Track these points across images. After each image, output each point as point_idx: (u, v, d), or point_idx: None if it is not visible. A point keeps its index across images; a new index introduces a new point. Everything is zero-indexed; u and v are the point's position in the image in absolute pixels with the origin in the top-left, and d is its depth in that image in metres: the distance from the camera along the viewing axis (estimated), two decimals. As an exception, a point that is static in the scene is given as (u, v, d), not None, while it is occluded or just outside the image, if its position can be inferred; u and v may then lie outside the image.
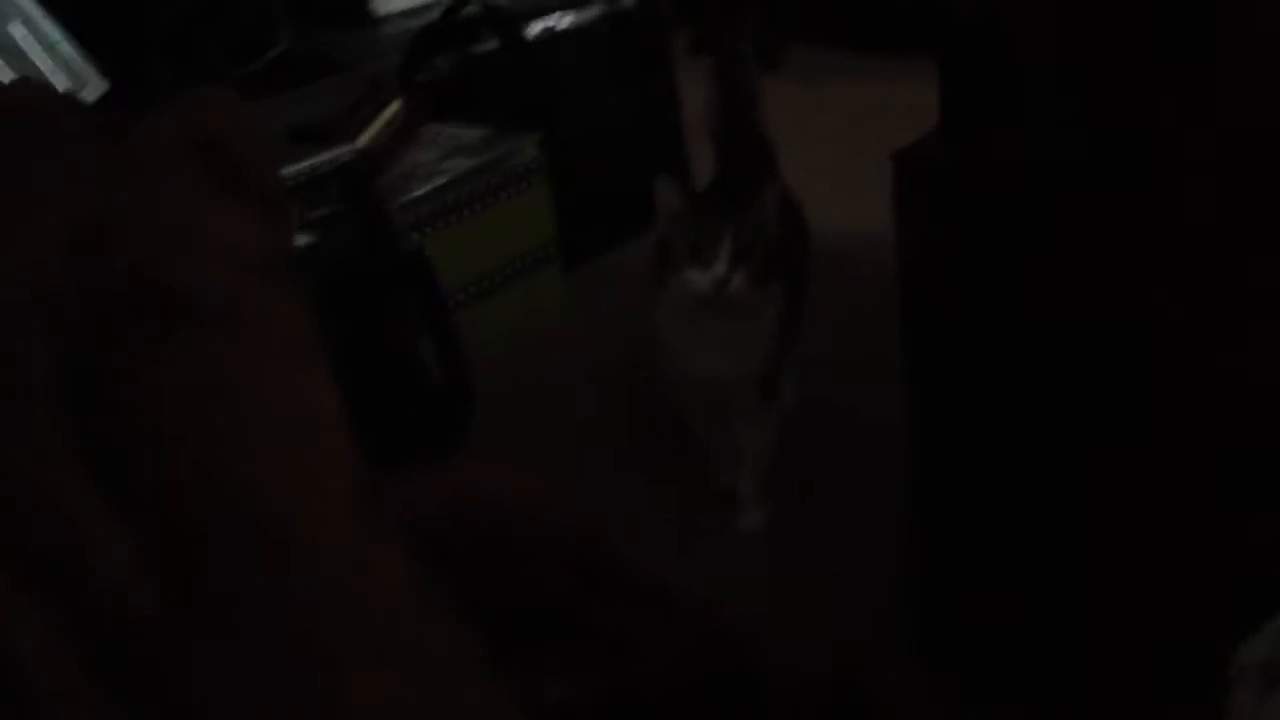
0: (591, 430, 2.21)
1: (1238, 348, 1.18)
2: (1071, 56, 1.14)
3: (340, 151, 2.18)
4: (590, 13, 2.68)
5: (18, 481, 0.48)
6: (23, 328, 0.51)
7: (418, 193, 2.34)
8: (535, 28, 2.59)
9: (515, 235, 2.49)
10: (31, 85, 0.56)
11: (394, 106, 2.43)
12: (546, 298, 2.55)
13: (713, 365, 1.81)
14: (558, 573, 0.71)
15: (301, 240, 1.92)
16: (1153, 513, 1.26)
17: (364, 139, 2.31)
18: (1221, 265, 1.16)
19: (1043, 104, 1.19)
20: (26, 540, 0.48)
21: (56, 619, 0.47)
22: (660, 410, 2.05)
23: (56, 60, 1.98)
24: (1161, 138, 1.15)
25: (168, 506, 0.47)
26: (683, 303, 1.73)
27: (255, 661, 0.46)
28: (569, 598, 0.68)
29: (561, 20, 2.63)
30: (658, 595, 0.67)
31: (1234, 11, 1.09)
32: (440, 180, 2.36)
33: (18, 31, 1.99)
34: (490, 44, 2.54)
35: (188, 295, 0.51)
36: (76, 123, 0.70)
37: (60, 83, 1.94)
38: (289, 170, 2.22)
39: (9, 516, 0.48)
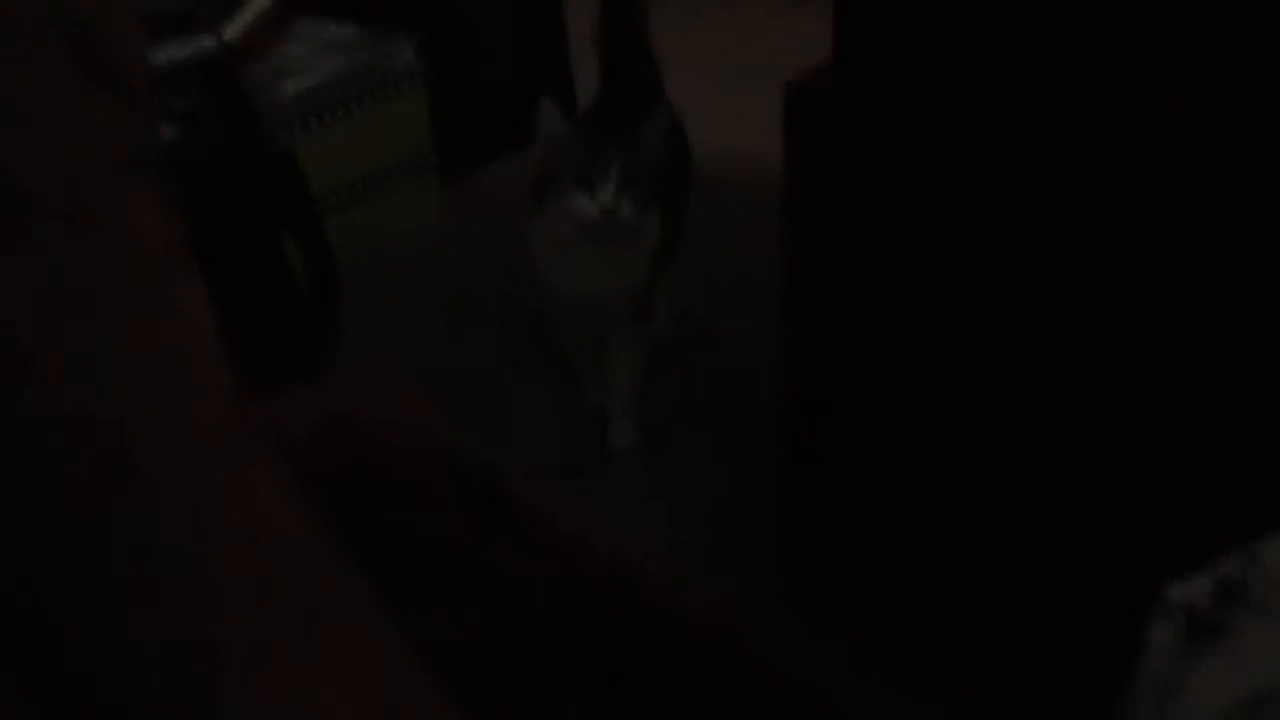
0: (462, 347, 2.18)
1: (1114, 283, 1.20)
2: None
3: (204, 42, 2.07)
4: (475, -89, 2.59)
5: None
6: None
7: (288, 91, 2.25)
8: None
9: (389, 141, 2.42)
10: None
11: (264, -2, 2.32)
12: (420, 209, 2.49)
13: (588, 285, 1.80)
14: (444, 506, 0.68)
15: (169, 135, 1.83)
16: (1043, 442, 1.29)
17: (230, 30, 2.21)
18: (1100, 221, 1.17)
19: (940, 42, 1.19)
20: None
21: None
22: (532, 326, 2.02)
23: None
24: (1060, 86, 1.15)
25: (11, 438, 0.43)
26: (566, 227, 1.72)
27: (126, 593, 0.43)
28: (456, 532, 0.66)
29: (445, -82, 2.54)
30: (547, 534, 0.66)
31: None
32: (311, 80, 2.27)
33: None
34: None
35: (43, 191, 0.46)
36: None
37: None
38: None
39: None
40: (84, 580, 0.40)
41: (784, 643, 0.76)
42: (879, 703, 1.37)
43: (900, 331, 1.32)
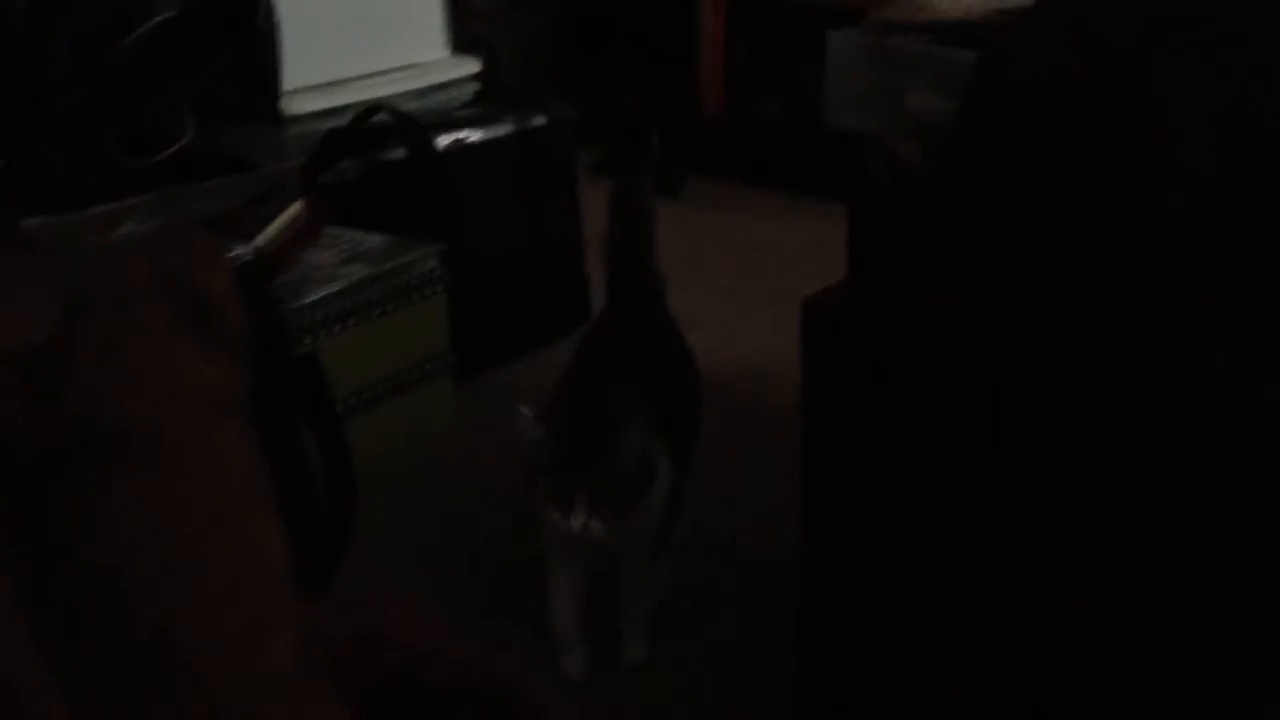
0: (473, 553, 2.19)
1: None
2: (986, 244, 1.20)
3: (237, 249, 2.16)
4: (499, 129, 2.72)
5: None
6: None
7: (314, 296, 2.33)
8: (444, 139, 2.62)
9: (409, 345, 2.49)
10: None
11: (295, 207, 2.42)
12: (436, 410, 2.54)
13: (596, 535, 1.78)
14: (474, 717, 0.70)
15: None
16: (1068, 660, 1.29)
17: (262, 238, 2.30)
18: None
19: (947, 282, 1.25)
20: None
21: None
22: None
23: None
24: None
25: (119, 667, 0.46)
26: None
27: None
28: None
29: (471, 134, 2.67)
30: None
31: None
32: (337, 285, 2.36)
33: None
34: (398, 152, 2.56)
35: (144, 433, 0.51)
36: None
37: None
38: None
39: None
40: None
41: None
42: None
43: (917, 550, 1.35)
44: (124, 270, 0.54)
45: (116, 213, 2.17)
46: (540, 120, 2.78)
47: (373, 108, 2.63)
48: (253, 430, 0.55)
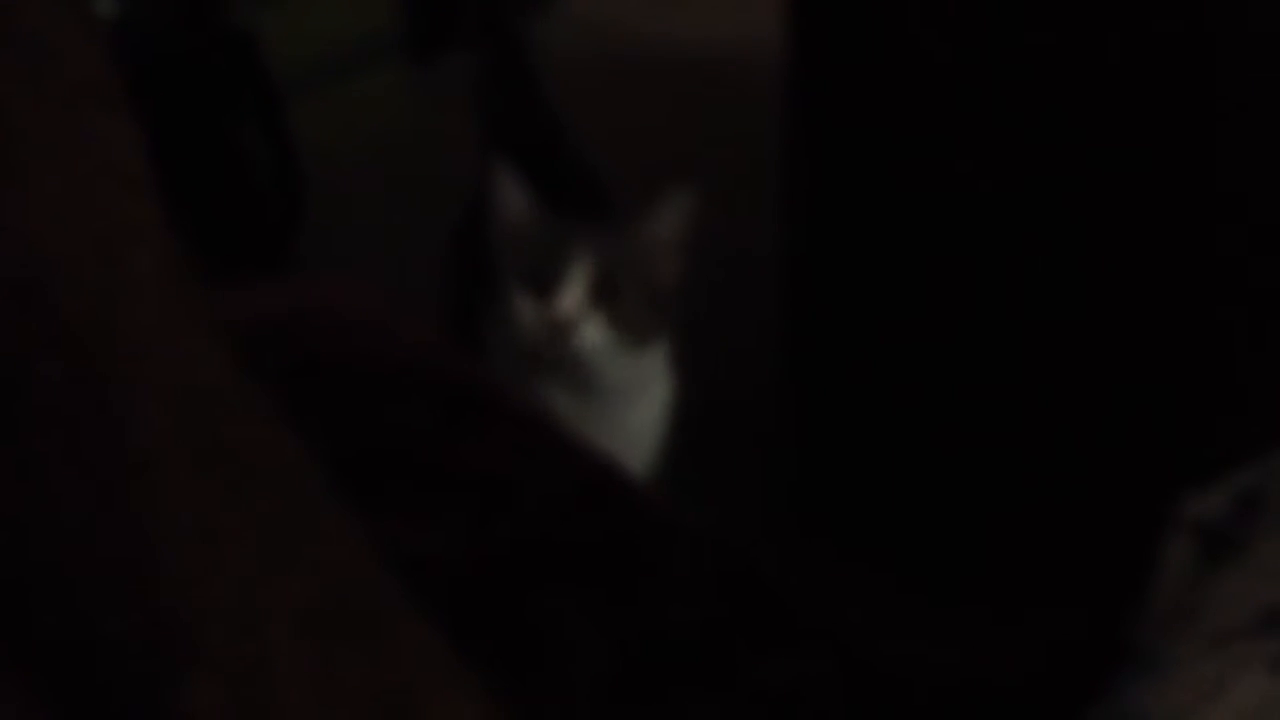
0: (424, 240, 2.13)
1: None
2: None
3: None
4: None
5: None
6: None
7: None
8: None
9: (353, 17, 2.36)
10: None
11: None
12: (385, 95, 2.43)
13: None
14: (417, 408, 0.65)
15: (110, 8, 1.76)
16: (1045, 344, 1.27)
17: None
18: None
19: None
20: None
21: None
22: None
23: None
24: None
25: None
26: (514, 356, 1.18)
27: (67, 466, 0.40)
28: (432, 437, 0.62)
29: None
30: (537, 438, 0.62)
31: None
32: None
33: None
34: None
35: None
36: None
37: None
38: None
39: None
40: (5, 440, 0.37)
41: (780, 557, 0.74)
42: (876, 619, 1.36)
43: (902, 221, 1.30)
44: None
45: None
46: None
47: None
48: (96, 22, 0.46)
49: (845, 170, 1.32)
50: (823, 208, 1.37)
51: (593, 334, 1.15)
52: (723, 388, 1.79)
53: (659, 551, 0.64)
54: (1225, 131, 1.12)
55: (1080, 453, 1.28)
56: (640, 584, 0.58)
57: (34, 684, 0.40)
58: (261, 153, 1.83)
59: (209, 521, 0.41)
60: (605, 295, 1.16)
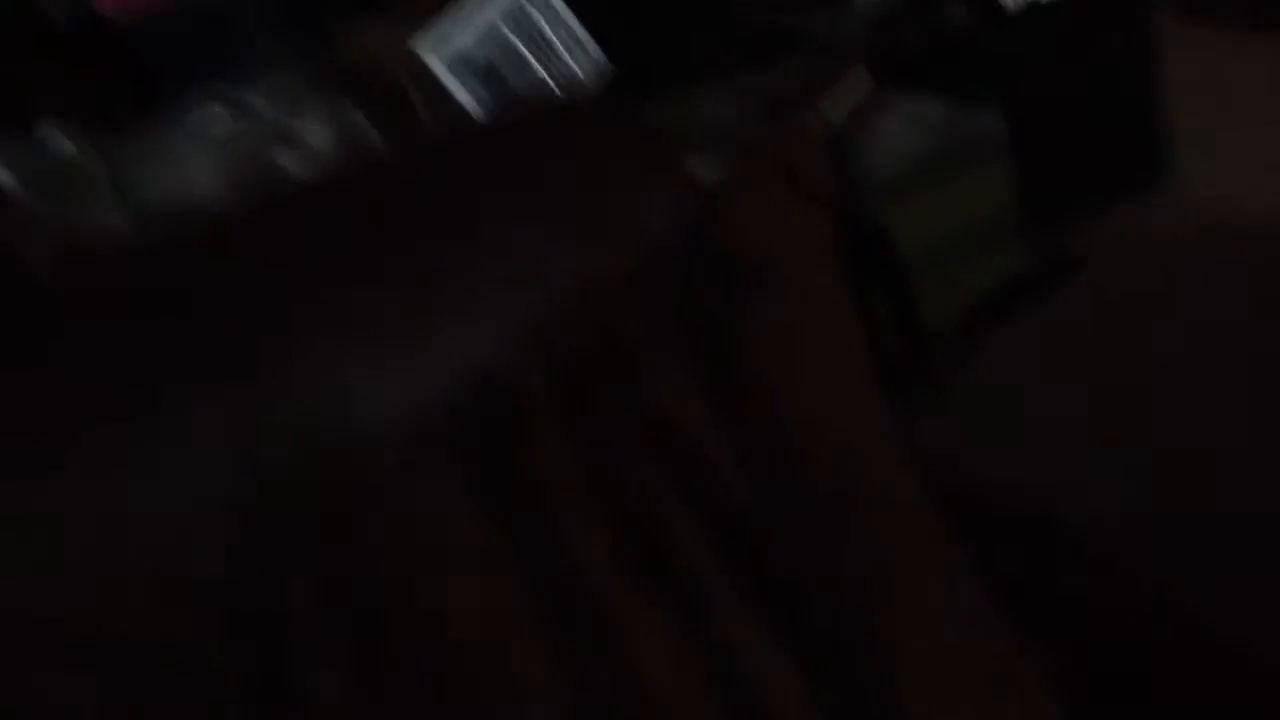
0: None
1: None
2: None
3: (810, 121, 2.40)
4: (1066, -18, 2.76)
5: (657, 399, 0.74)
6: (662, 281, 0.78)
7: (878, 161, 2.54)
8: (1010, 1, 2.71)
9: (974, 207, 2.64)
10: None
11: (859, 76, 2.63)
12: (1003, 273, 2.68)
13: None
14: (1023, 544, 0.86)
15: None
16: None
17: (831, 110, 2.53)
18: None
19: None
20: (666, 451, 0.72)
21: (694, 505, 0.70)
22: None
23: (566, 38, 2.34)
24: None
25: (768, 435, 0.71)
26: None
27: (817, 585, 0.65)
28: (1032, 567, 0.83)
29: (1036, -10, 2.74)
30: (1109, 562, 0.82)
31: None
32: (901, 150, 2.55)
33: (532, 13, 2.38)
34: (962, 16, 2.69)
35: (771, 265, 0.76)
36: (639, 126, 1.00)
37: (579, 67, 2.31)
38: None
39: (648, 431, 0.73)
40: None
41: None
42: None
43: None
44: (757, 156, 0.83)
45: (698, 96, 2.50)
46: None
47: (934, -27, 2.77)
48: (839, 268, 0.80)
49: None
50: None
51: None
52: None
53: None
54: None
55: None
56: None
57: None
58: (891, 321, 2.15)
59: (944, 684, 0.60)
60: None
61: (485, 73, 2.32)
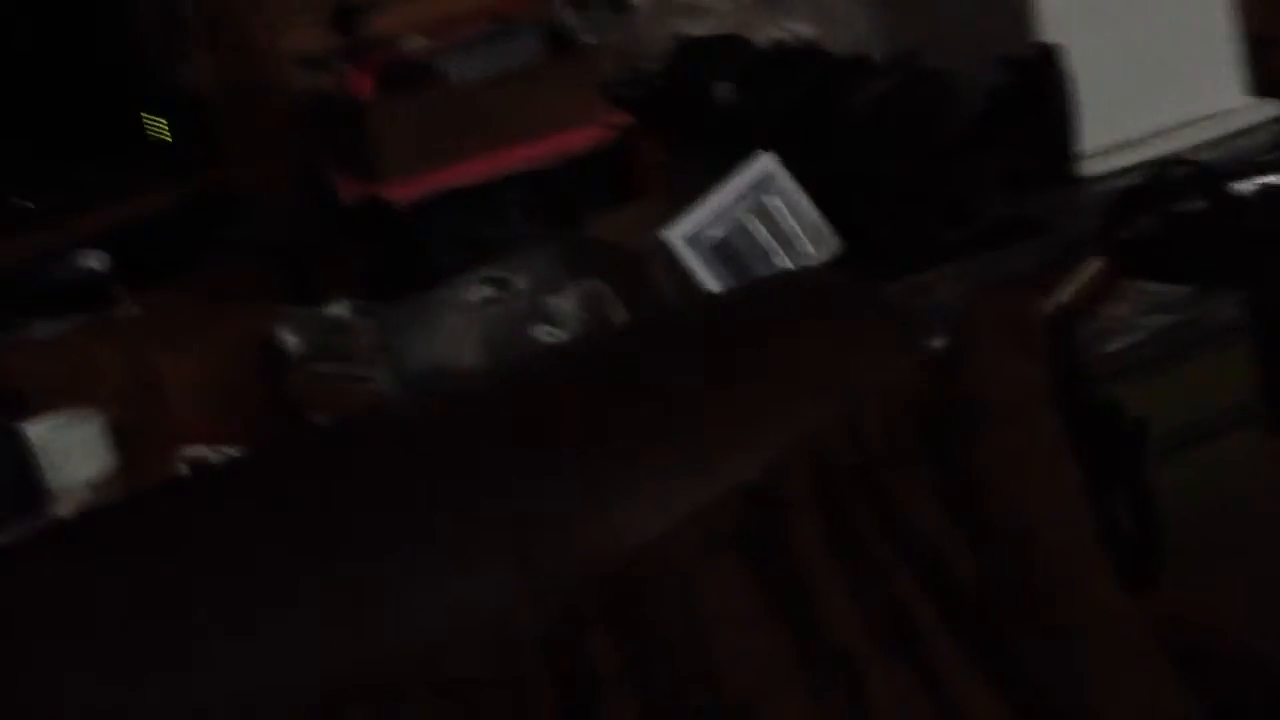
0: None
1: None
2: None
3: (1042, 306, 2.46)
4: (1311, 169, 2.77)
5: (897, 502, 0.84)
6: (900, 421, 0.90)
7: (1113, 346, 2.57)
8: (1245, 186, 2.73)
9: (1210, 394, 2.63)
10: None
11: (1094, 264, 2.68)
12: (1242, 463, 2.65)
13: None
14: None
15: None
16: None
17: (1063, 294, 2.58)
18: None
19: None
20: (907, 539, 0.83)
21: (927, 586, 0.81)
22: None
23: (804, 225, 2.49)
24: None
25: (990, 535, 0.81)
26: None
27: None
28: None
29: (1274, 179, 2.75)
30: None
31: None
32: (1137, 335, 2.58)
33: (772, 202, 2.54)
34: (1197, 202, 2.73)
35: (999, 406, 0.87)
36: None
37: (806, 241, 2.45)
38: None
39: (891, 527, 0.84)
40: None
41: None
42: None
43: None
44: (983, 314, 0.94)
45: (933, 280, 2.60)
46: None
47: (1167, 161, 2.82)
48: (1057, 415, 0.90)
49: None
50: None
51: None
52: None
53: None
54: None
55: None
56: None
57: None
58: (1126, 505, 2.15)
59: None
60: None
61: (729, 259, 2.47)
